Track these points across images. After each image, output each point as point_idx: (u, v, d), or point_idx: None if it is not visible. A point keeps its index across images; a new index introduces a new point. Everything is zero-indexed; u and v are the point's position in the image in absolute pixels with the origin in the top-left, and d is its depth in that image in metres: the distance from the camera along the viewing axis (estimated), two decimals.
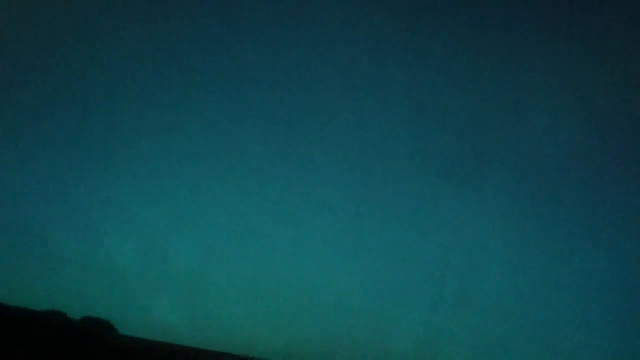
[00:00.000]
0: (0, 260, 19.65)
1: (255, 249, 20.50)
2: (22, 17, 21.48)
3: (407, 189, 21.49)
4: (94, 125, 21.48)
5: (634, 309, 19.94)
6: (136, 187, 20.88)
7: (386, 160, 21.72)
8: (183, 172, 21.19)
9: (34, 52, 21.53)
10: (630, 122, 21.42)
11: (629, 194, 21.00)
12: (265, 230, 20.89)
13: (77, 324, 18.38)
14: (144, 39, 22.03)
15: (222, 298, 19.67)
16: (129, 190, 20.79)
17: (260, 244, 20.63)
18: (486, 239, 21.04)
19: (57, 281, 19.56)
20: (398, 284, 20.59)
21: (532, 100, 22.00)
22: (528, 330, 19.98)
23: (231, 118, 22.03)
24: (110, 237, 20.12)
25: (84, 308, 18.53)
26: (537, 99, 21.96)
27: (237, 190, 21.12)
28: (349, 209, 21.25)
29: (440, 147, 21.68)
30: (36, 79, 21.45)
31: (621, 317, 19.95)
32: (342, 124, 21.81)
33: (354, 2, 22.05)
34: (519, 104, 22.03)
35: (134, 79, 21.64)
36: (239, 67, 22.23)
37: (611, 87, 21.62)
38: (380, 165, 21.70)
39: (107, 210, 20.57)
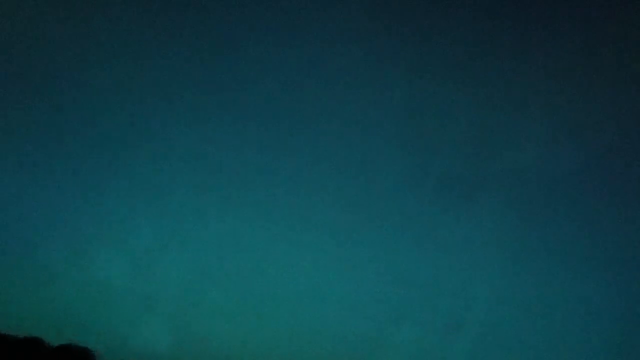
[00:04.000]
0: None
1: (247, 272, 20.02)
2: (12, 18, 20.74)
3: (401, 210, 21.37)
4: (80, 141, 20.85)
5: (626, 326, 20.04)
6: (124, 207, 20.21)
7: (381, 181, 21.58)
8: (173, 190, 20.64)
9: (21, 66, 20.82)
10: (621, 144, 21.77)
11: (622, 215, 21.22)
12: (258, 252, 20.46)
13: (54, 353, 17.37)
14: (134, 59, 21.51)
15: (211, 325, 19.02)
16: (117, 210, 20.12)
17: (253, 266, 20.17)
18: (480, 259, 21.02)
19: (37, 304, 18.65)
20: (391, 304, 20.39)
21: (527, 121, 22.20)
22: (521, 349, 19.93)
23: (221, 140, 21.67)
24: (96, 258, 19.33)
25: (63, 333, 17.64)
26: (531, 120, 22.17)
27: (229, 211, 20.65)
28: (342, 228, 21.03)
29: (435, 169, 21.64)
30: (29, 94, 20.73)
31: (615, 336, 20.03)
32: (339, 144, 21.64)
33: (353, 20, 22.04)
34: (514, 124, 22.20)
35: (127, 96, 21.10)
36: (233, 90, 21.92)
37: (602, 110, 22.00)
38: (374, 185, 21.54)
39: (93, 231, 19.81)
